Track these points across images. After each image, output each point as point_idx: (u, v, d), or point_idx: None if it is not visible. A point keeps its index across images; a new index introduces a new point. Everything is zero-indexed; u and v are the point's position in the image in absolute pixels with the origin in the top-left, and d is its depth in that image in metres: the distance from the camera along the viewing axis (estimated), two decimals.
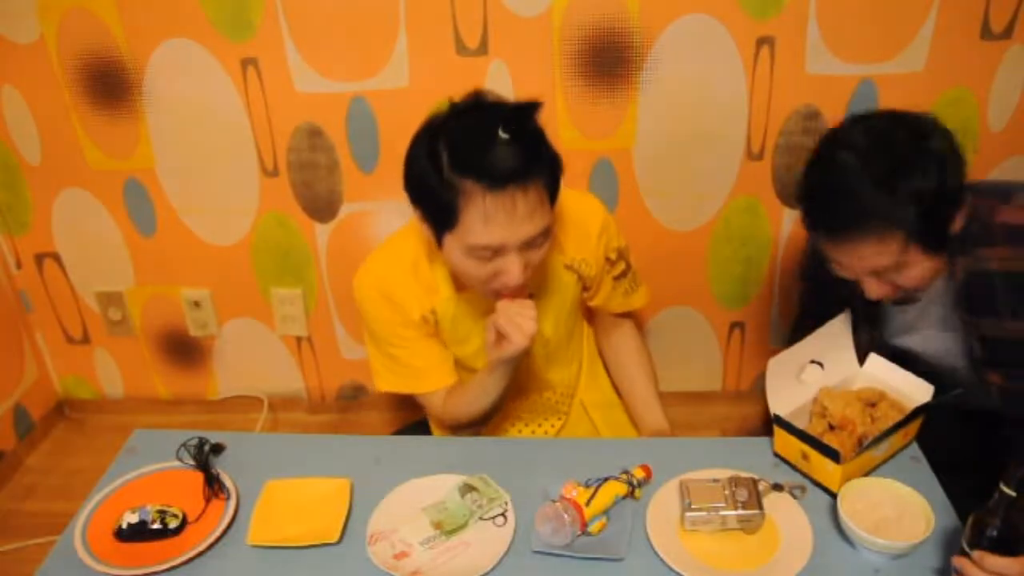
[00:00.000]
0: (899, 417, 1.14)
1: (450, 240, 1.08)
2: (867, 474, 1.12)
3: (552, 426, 1.45)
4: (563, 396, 1.43)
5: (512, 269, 1.07)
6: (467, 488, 1.10)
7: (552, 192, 1.09)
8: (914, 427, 1.17)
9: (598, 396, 1.49)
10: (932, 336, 1.30)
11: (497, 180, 1.00)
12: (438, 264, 1.23)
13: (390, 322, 1.25)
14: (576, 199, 1.29)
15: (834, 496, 1.08)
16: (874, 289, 1.12)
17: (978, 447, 1.31)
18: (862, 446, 1.10)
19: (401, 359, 1.28)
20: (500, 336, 1.11)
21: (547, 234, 1.10)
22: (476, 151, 1.01)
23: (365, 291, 1.25)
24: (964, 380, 1.28)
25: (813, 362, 1.23)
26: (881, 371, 1.23)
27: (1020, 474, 0.83)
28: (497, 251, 1.06)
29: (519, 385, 1.36)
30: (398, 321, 1.25)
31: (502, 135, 1.00)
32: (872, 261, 1.08)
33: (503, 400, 1.27)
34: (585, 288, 1.35)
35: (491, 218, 1.02)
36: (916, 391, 1.18)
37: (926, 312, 1.26)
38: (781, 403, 1.17)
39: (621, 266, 1.35)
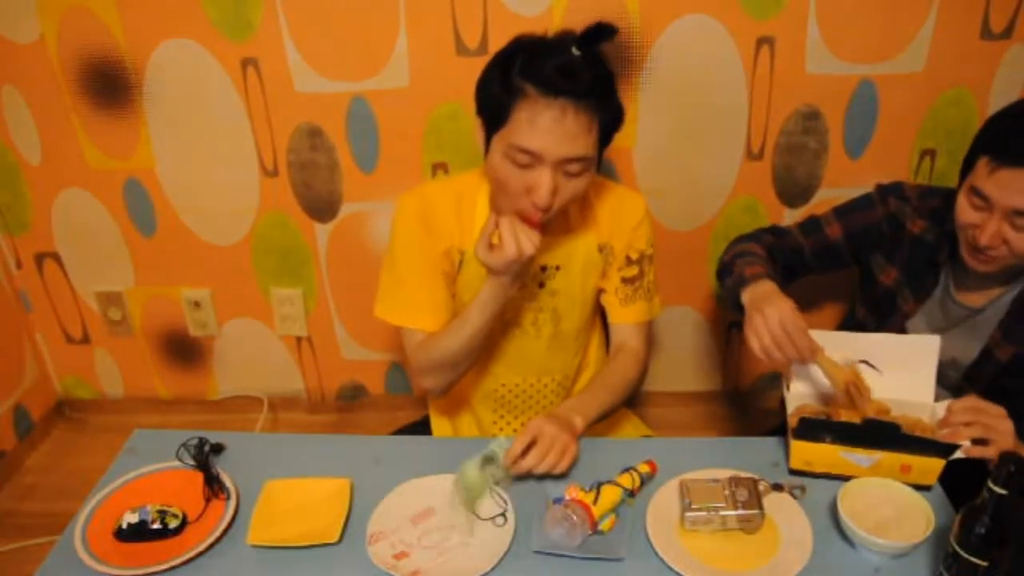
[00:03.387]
0: (892, 419, 1.13)
1: (496, 142, 1.12)
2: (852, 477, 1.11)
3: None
4: (559, 387, 1.41)
5: (543, 184, 1.09)
6: (487, 460, 1.10)
7: (602, 132, 1.12)
8: (926, 469, 1.09)
9: None
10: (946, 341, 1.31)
11: (552, 87, 1.05)
12: (480, 206, 1.26)
13: (415, 244, 1.27)
14: (626, 191, 1.34)
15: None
16: (993, 233, 1.12)
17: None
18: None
19: (408, 287, 1.29)
20: (492, 245, 1.13)
21: (585, 165, 1.11)
22: (545, 59, 1.06)
23: (405, 206, 1.28)
24: (951, 383, 1.30)
25: (863, 362, 1.18)
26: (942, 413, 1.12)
27: (1008, 472, 0.83)
28: (534, 160, 1.08)
29: (520, 358, 1.36)
30: (424, 245, 1.27)
31: (574, 51, 1.07)
32: None
33: (478, 347, 1.26)
34: (604, 275, 1.36)
35: (537, 121, 1.06)
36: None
37: (957, 319, 1.28)
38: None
39: (634, 270, 1.33)
